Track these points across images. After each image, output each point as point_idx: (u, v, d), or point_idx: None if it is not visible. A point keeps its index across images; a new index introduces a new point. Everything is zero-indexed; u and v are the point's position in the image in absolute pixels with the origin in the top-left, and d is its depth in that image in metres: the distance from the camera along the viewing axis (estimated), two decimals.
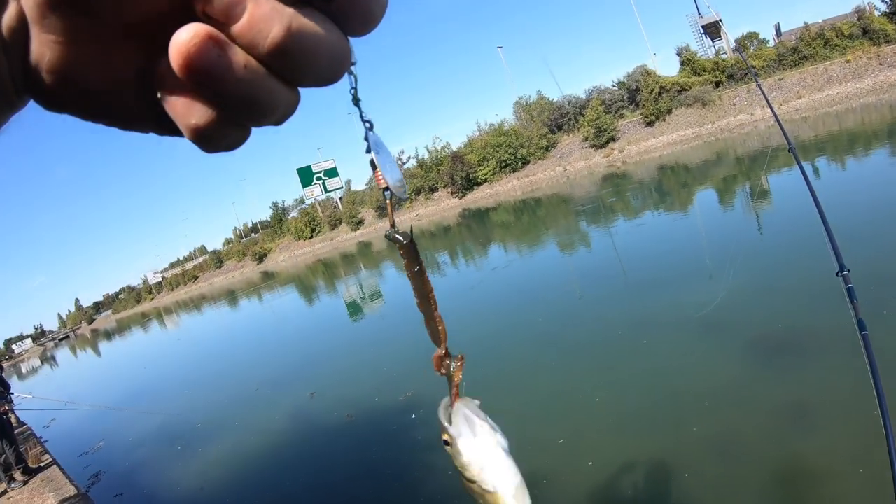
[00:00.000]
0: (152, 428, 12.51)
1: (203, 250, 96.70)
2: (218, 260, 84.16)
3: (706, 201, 18.49)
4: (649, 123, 41.66)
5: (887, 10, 37.39)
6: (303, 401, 10.80)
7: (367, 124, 0.50)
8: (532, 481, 4.35)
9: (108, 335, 63.90)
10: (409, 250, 0.54)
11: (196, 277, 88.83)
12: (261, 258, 72.73)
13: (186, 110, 0.35)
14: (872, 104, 28.24)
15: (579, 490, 5.40)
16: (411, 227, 0.53)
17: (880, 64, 34.15)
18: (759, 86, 5.29)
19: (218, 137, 0.36)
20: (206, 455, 9.75)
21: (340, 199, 67.17)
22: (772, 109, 4.89)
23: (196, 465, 9.34)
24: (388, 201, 0.52)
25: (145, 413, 13.86)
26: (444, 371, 0.64)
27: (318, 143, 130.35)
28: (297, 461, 8.22)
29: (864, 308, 2.40)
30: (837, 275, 2.58)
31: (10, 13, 0.33)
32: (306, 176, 65.59)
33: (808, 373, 5.98)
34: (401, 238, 0.54)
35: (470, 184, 50.58)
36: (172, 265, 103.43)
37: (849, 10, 40.23)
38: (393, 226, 0.53)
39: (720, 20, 47.93)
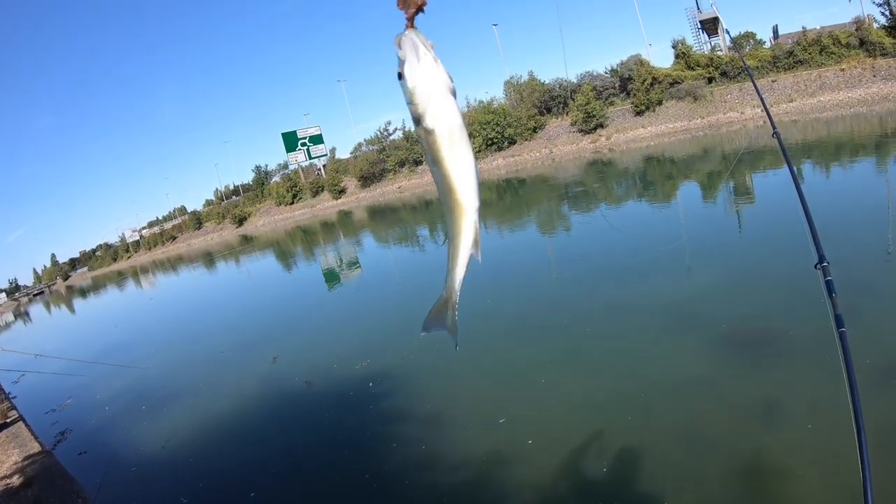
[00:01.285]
0: (121, 386, 12.35)
1: (183, 210, 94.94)
2: (197, 221, 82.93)
3: (688, 194, 18.54)
4: (639, 113, 41.52)
5: (886, 24, 37.37)
6: (265, 365, 10.75)
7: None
8: (470, 458, 4.78)
9: (83, 292, 62.78)
10: None
11: (174, 238, 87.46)
12: (240, 221, 71.82)
13: None
14: (863, 114, 28.32)
15: (517, 468, 5.36)
16: None
17: (874, 76, 34.24)
18: (751, 78, 5.42)
19: None
20: (169, 415, 9.66)
21: (324, 166, 66.37)
22: (760, 96, 4.96)
23: (159, 425, 9.25)
24: None
25: (114, 367, 13.74)
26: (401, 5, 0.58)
27: (306, 109, 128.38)
28: (256, 424, 8.19)
29: (843, 303, 2.26)
30: (816, 266, 2.47)
31: None
32: (291, 141, 64.86)
33: (781, 367, 5.93)
34: None
35: None
36: (151, 224, 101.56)
37: (848, 20, 40.19)
38: None
39: (719, 17, 47.78)
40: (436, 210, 31.12)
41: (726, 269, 9.14)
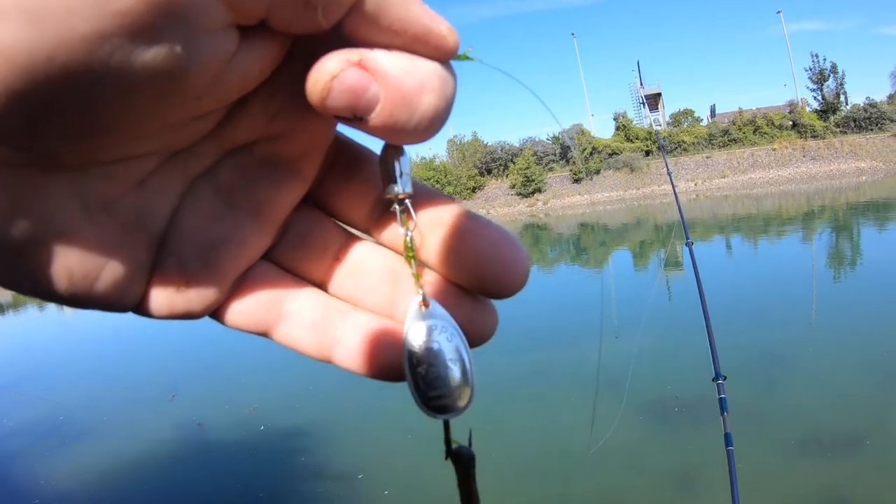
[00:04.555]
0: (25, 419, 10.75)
1: None
2: None
3: (620, 261, 18.20)
4: (577, 180, 41.71)
5: (818, 108, 39.76)
6: (164, 403, 9.86)
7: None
8: None
9: (2, 308, 59.15)
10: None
11: None
12: None
13: None
14: (791, 192, 29.03)
15: None
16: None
17: (804, 156, 35.80)
18: (664, 155, 5.62)
19: None
20: (58, 452, 8.57)
21: None
22: (669, 175, 5.21)
23: (46, 462, 8.22)
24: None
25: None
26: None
27: None
28: (147, 464, 7.46)
29: (735, 419, 2.30)
30: (713, 381, 2.51)
31: None
32: None
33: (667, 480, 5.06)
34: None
35: None
36: None
37: (782, 103, 42.81)
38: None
39: (661, 93, 48.83)
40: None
41: (651, 337, 8.37)
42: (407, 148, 0.30)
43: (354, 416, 7.52)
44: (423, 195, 0.31)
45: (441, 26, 0.25)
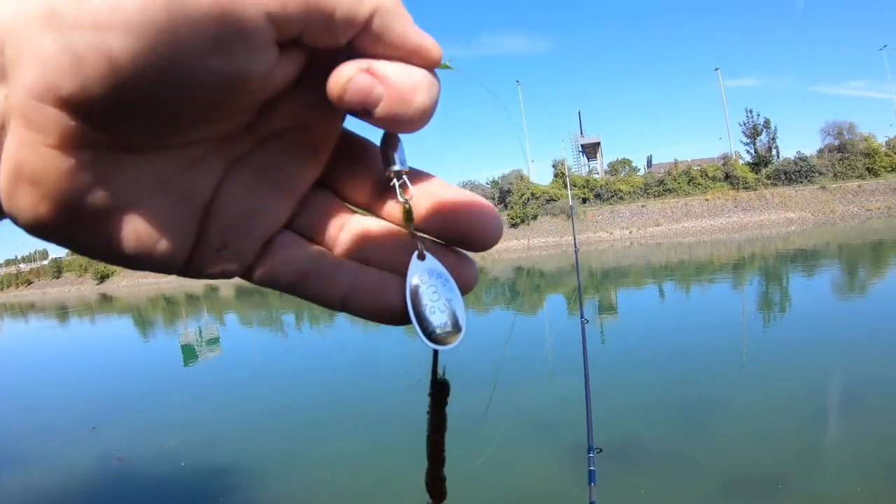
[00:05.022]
0: None
1: (44, 254, 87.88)
2: (57, 269, 75.07)
3: (553, 305, 17.90)
4: (514, 225, 41.99)
5: (751, 161, 41.74)
6: (83, 434, 9.61)
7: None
8: None
9: None
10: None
11: (30, 282, 79.20)
12: (103, 278, 65.84)
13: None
14: (722, 241, 29.77)
15: None
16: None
17: (735, 206, 37.27)
18: (572, 214, 5.84)
19: None
20: None
21: None
22: (573, 228, 5.43)
23: None
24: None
25: None
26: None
27: None
28: (62, 497, 7.33)
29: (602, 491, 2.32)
30: (588, 453, 2.57)
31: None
32: None
33: None
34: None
35: None
36: (8, 262, 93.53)
37: (717, 155, 44.75)
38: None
39: (600, 143, 49.53)
40: (273, 300, 29.05)
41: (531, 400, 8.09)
42: (401, 136, 0.37)
43: (275, 457, 7.29)
44: (414, 173, 0.37)
45: (428, 42, 0.32)
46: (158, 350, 20.39)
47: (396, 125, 0.33)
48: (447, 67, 0.35)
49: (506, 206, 43.39)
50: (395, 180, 0.37)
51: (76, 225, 0.32)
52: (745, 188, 38.24)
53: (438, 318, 0.36)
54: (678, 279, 19.10)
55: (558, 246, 37.77)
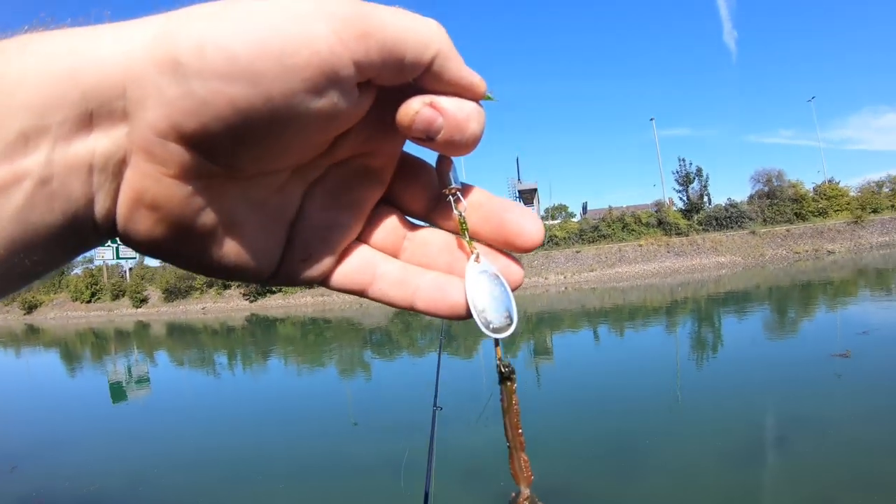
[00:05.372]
0: None
1: None
2: None
3: (487, 349, 17.23)
4: None
5: (683, 207, 42.91)
6: (2, 475, 9.25)
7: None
8: None
9: None
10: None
11: None
12: (30, 308, 62.28)
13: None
14: (655, 285, 30.10)
15: None
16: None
17: (668, 252, 37.88)
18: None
19: None
20: None
21: (130, 269, 60.47)
22: (440, 348, 4.82)
23: None
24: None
25: None
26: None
27: None
28: None
29: None
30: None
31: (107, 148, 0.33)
32: None
33: None
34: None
35: (265, 291, 47.38)
36: None
37: (650, 202, 46.16)
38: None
39: (536, 189, 49.76)
40: (237, 338, 29.29)
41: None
42: (454, 158, 0.42)
43: (200, 500, 7.26)
44: (466, 188, 0.42)
45: (476, 78, 0.38)
46: (85, 387, 19.49)
47: (453, 150, 0.38)
48: (490, 99, 0.40)
49: None
50: (450, 196, 0.42)
51: (186, 243, 0.36)
52: (678, 234, 39.14)
53: (495, 313, 0.40)
54: (612, 323, 19.10)
55: None
